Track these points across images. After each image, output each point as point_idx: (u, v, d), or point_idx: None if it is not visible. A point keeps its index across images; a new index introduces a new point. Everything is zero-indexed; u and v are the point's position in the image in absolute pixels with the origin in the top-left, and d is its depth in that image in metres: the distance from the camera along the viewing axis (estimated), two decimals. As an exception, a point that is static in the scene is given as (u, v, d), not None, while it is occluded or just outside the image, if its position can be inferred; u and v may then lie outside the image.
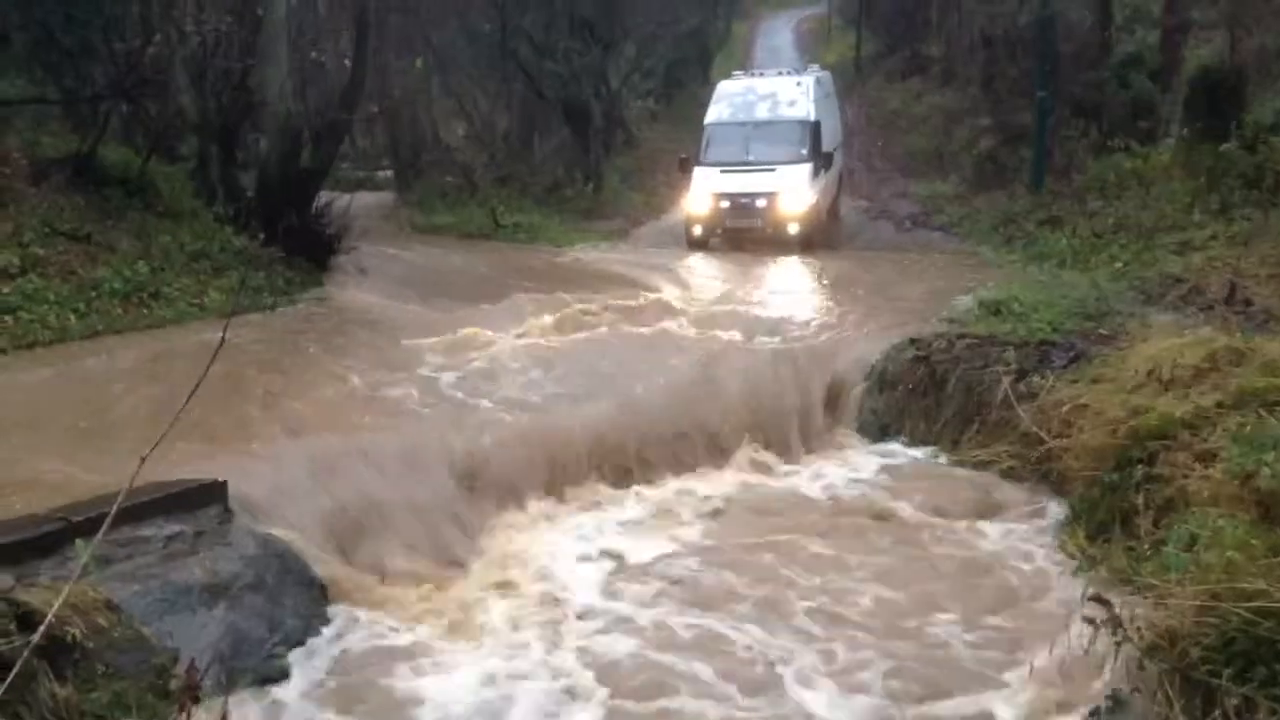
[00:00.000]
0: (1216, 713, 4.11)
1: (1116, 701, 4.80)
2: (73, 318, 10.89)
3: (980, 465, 8.31)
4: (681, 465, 8.56)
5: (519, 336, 11.10)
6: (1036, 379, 8.40)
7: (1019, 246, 16.12)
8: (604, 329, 11.26)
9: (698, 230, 18.67)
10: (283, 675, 5.62)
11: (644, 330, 11.23)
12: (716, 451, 8.79)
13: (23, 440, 7.40)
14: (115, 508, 4.12)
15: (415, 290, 14.39)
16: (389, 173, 27.98)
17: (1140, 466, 6.57)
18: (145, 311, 11.60)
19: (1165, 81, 18.80)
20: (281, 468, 6.96)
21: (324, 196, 15.70)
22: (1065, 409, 7.73)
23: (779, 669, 5.68)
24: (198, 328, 11.29)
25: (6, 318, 10.48)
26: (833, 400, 9.56)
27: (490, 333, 10.99)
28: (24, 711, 4.75)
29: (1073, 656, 5.41)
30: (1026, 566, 6.75)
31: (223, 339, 4.04)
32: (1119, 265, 12.67)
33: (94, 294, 11.45)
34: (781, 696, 5.47)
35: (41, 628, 4.37)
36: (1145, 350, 7.82)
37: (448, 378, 9.57)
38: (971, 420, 8.71)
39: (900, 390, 9.32)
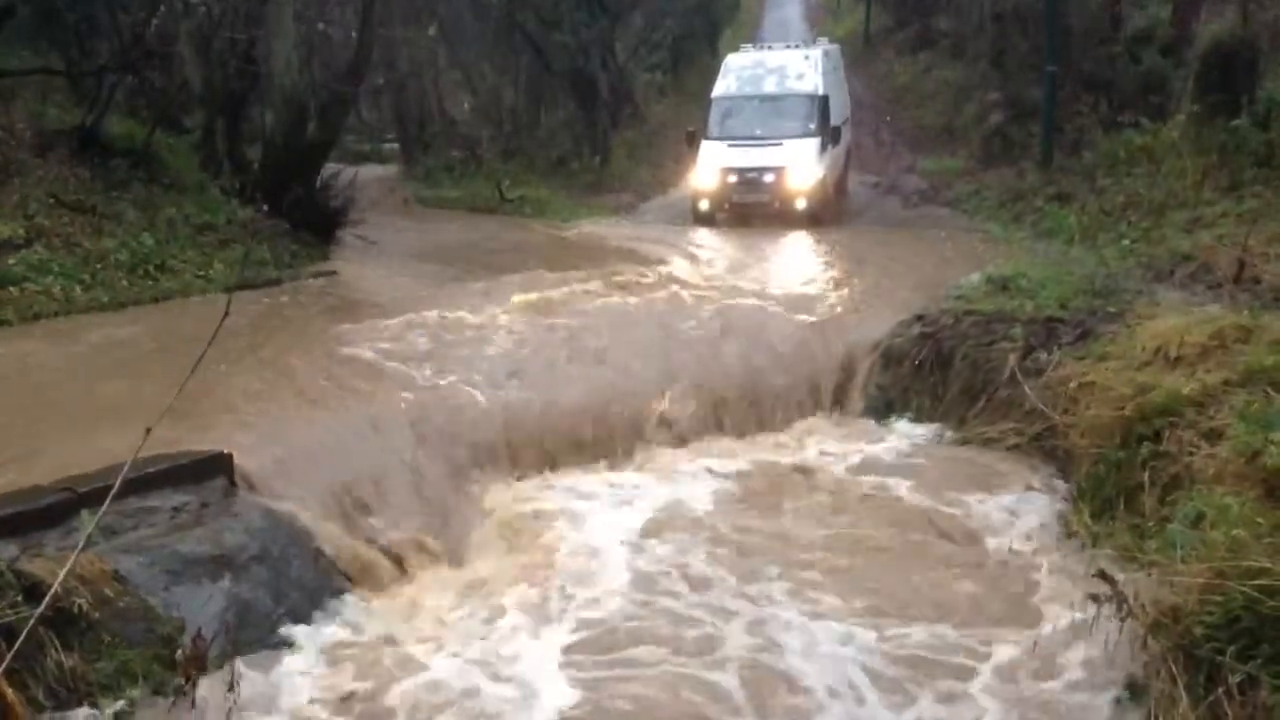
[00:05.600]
0: (1220, 690, 4.11)
1: (1134, 688, 4.80)
2: (78, 289, 10.90)
3: (985, 442, 8.30)
4: (680, 441, 8.57)
5: (522, 311, 11.06)
6: (1043, 356, 8.38)
7: (1027, 223, 16.04)
8: (607, 304, 11.20)
9: (705, 205, 18.60)
10: (288, 646, 5.64)
11: (651, 304, 11.18)
12: (721, 427, 8.78)
13: (29, 412, 7.42)
14: (120, 479, 4.14)
15: (420, 264, 14.38)
16: (395, 146, 27.95)
17: (1146, 444, 6.55)
18: (151, 283, 11.61)
19: (1177, 56, 18.63)
20: (286, 441, 6.97)
21: (329, 169, 15.67)
22: (1072, 386, 7.71)
23: (779, 637, 5.71)
24: (203, 300, 11.29)
25: (12, 289, 10.48)
26: (839, 377, 9.55)
27: (495, 308, 10.96)
28: (31, 680, 4.79)
29: (1076, 633, 5.45)
30: (1030, 543, 6.74)
31: (227, 312, 4.02)
32: (1127, 242, 12.59)
33: (99, 266, 11.45)
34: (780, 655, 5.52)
35: (47, 598, 4.39)
36: (1153, 327, 7.79)
37: (451, 351, 9.55)
38: (977, 397, 8.69)
39: (906, 367, 9.30)
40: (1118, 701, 4.88)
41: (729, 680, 5.38)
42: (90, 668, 4.97)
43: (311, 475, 6.70)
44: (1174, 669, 4.30)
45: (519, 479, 7.83)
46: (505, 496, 7.53)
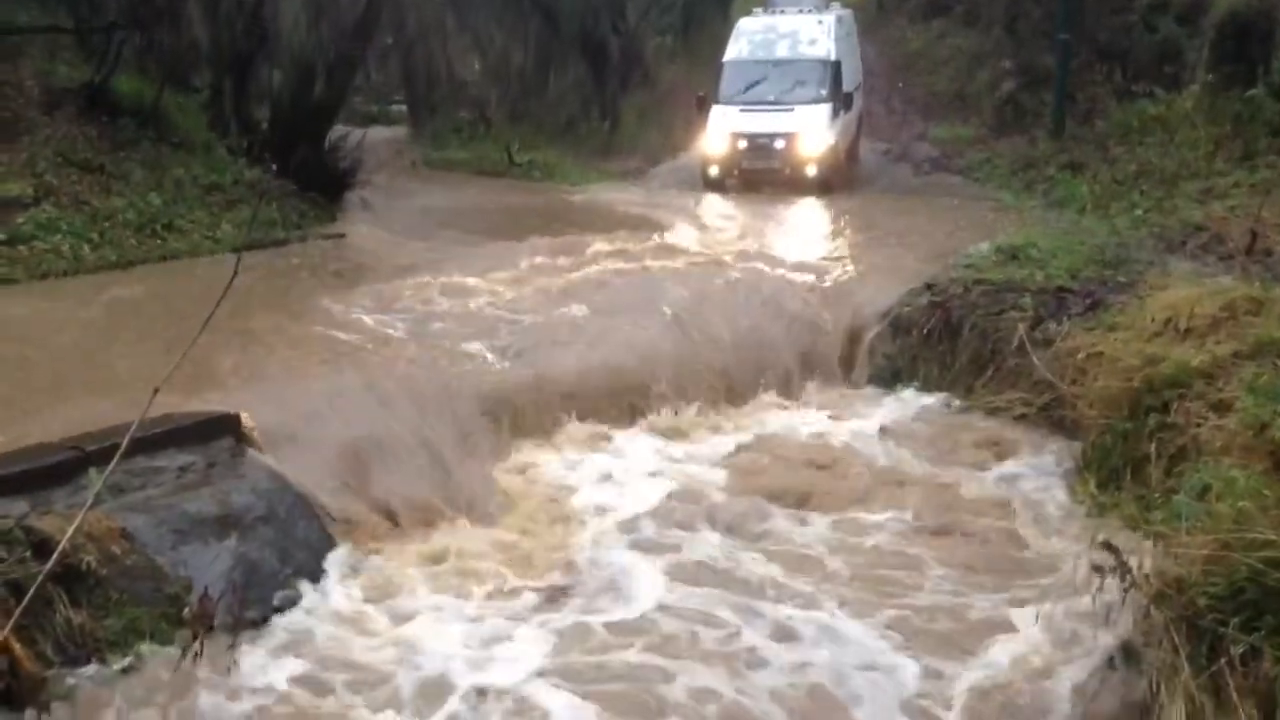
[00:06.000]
0: (1222, 661, 4.11)
1: (1128, 652, 4.81)
2: (86, 248, 10.91)
3: (993, 412, 8.30)
4: (685, 405, 8.58)
5: (530, 276, 11.05)
6: (1052, 326, 8.35)
7: (1038, 191, 15.96)
8: (614, 269, 11.19)
9: (714, 171, 18.50)
10: (295, 605, 5.66)
11: (658, 271, 11.16)
12: (728, 392, 8.80)
13: (36, 371, 7.44)
14: (128, 438, 4.15)
15: (429, 228, 14.35)
16: (402, 108, 27.78)
17: (1154, 415, 6.53)
18: (159, 243, 11.61)
19: (1192, 25, 18.43)
20: (292, 402, 6.98)
21: (338, 130, 15.61)
22: (1081, 356, 7.69)
23: (784, 608, 5.74)
24: (211, 260, 11.29)
25: (21, 247, 10.50)
26: (847, 345, 9.54)
27: (503, 272, 10.95)
28: (40, 636, 4.82)
29: (1079, 604, 5.46)
30: (1035, 513, 6.75)
31: (235, 272, 4.02)
32: (1139, 212, 12.53)
33: (107, 224, 11.45)
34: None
35: (55, 554, 4.41)
36: (1163, 298, 7.76)
37: (458, 315, 9.56)
38: (985, 367, 8.68)
39: (914, 336, 9.27)
40: (1111, 667, 4.89)
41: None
42: (98, 624, 5.00)
43: (317, 436, 6.71)
44: (1176, 639, 4.29)
45: (525, 442, 7.82)
46: (512, 459, 7.54)
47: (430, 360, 8.24)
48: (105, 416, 5.96)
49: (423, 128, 25.39)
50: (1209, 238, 10.56)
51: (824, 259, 11.79)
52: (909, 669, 5.21)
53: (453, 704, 4.94)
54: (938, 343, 9.11)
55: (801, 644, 5.40)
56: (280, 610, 5.59)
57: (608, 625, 5.57)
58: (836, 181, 18.09)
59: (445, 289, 10.31)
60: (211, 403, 6.56)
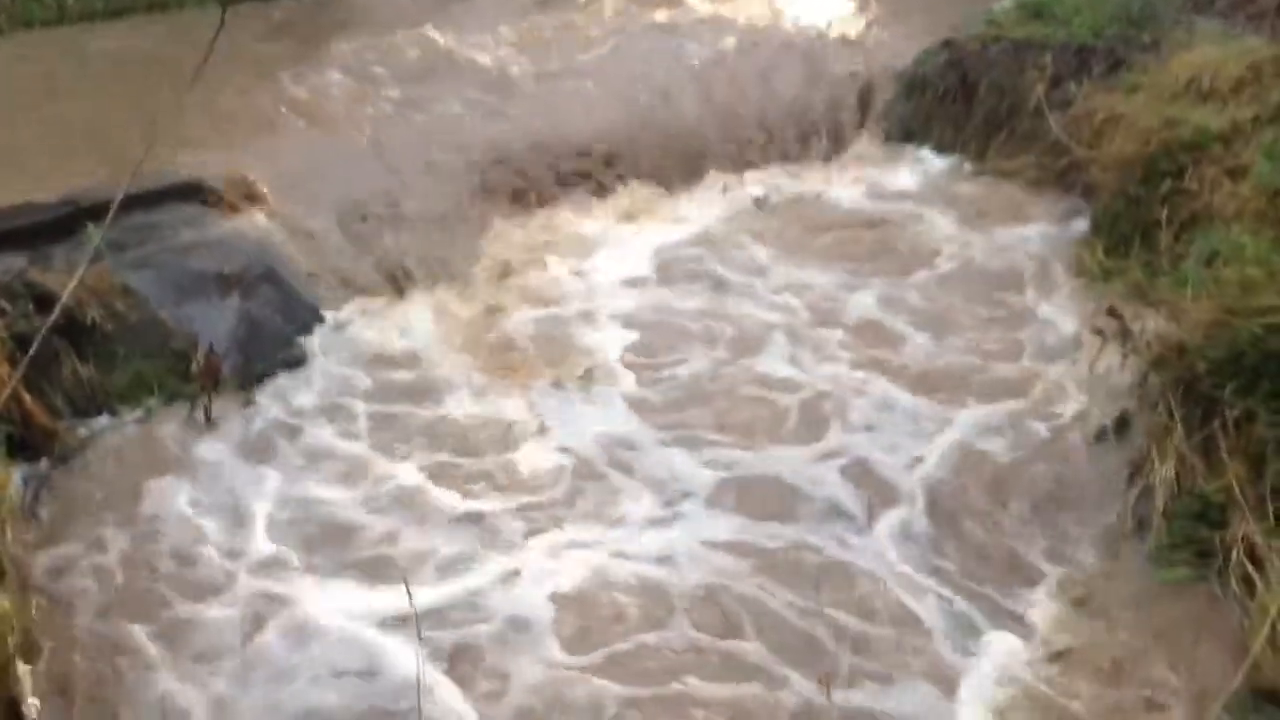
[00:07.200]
0: (1215, 424, 4.16)
1: (1123, 419, 4.88)
2: (71, -4, 10.44)
3: (1005, 175, 8.14)
4: (702, 167, 8.44)
5: (534, 33, 10.62)
6: (1071, 86, 8.07)
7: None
8: (617, 25, 10.72)
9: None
10: (301, 362, 5.72)
11: (662, 27, 10.71)
12: (735, 151, 8.64)
13: (23, 126, 7.26)
14: (122, 193, 4.09)
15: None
16: None
17: (1168, 180, 6.40)
18: (146, -9, 11.11)
19: None
20: (288, 162, 6.86)
21: None
22: (1098, 119, 7.46)
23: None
24: (200, 11, 10.83)
25: (3, -6, 10.06)
26: (859, 105, 9.29)
27: (504, 27, 10.52)
28: (49, 389, 4.91)
29: (1076, 366, 5.52)
30: (1043, 278, 6.73)
31: (221, 24, 3.84)
32: (1170, -35, 11.93)
33: (94, -30, 10.93)
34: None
35: (58, 306, 4.43)
36: (1187, 59, 7.46)
37: (457, 74, 9.25)
38: (1000, 128, 8.44)
39: (929, 95, 8.99)
40: (1103, 431, 4.98)
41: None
42: (106, 378, 5.09)
43: (314, 196, 6.62)
44: (1172, 403, 4.34)
45: (527, 207, 7.72)
46: (511, 222, 7.46)
47: (426, 122, 8.02)
48: (94, 173, 5.86)
49: None
50: (1240, -6, 10.10)
51: (836, 14, 11.29)
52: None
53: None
54: (952, 103, 8.85)
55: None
56: (287, 366, 5.65)
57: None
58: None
59: (445, 47, 9.93)
60: (209, 163, 6.43)
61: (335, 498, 4.82)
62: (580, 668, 3.90)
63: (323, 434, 5.21)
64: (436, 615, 4.07)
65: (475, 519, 4.68)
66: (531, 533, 4.60)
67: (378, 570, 4.39)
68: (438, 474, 4.97)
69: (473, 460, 5.06)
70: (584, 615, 4.14)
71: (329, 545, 4.55)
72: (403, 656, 3.86)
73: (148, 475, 4.80)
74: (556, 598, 4.22)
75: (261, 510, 4.71)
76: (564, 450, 5.12)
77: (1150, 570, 4.15)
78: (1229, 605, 3.71)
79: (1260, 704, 3.40)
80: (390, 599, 4.09)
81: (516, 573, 4.36)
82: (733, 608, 4.15)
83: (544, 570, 4.37)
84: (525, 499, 4.81)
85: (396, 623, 4.01)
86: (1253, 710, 3.39)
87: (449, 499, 4.81)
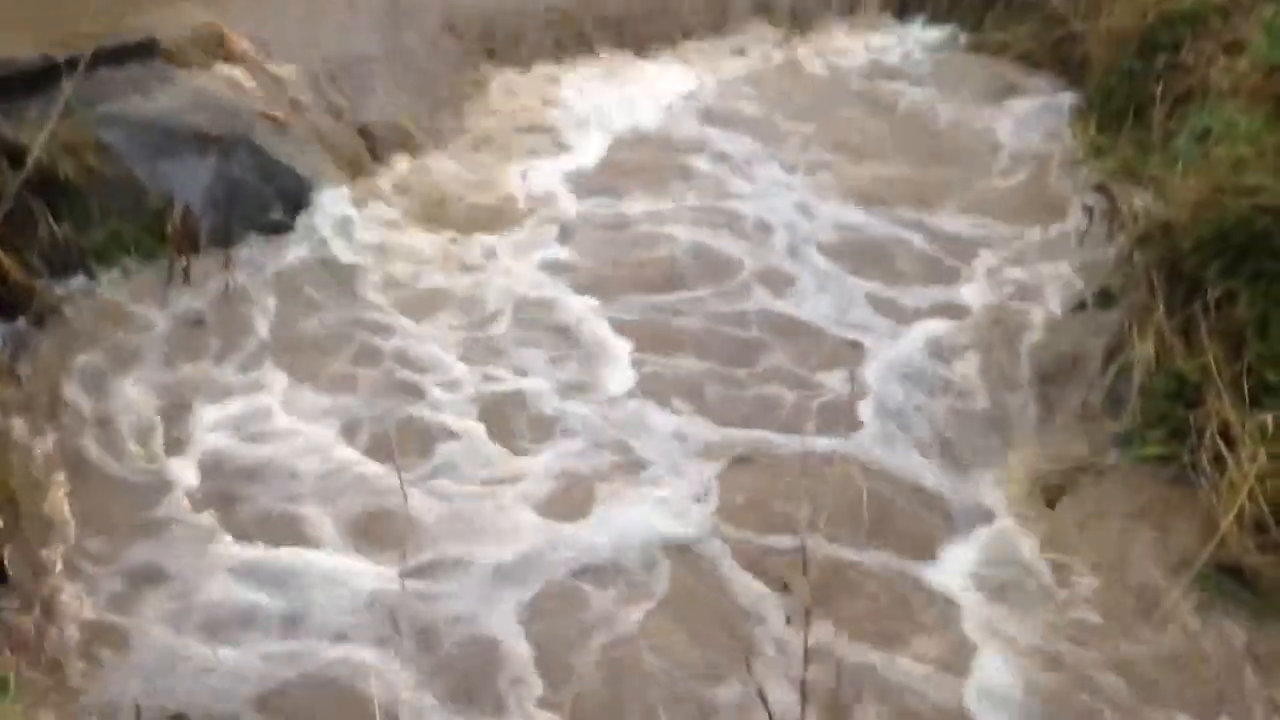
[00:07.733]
0: (1197, 304, 4.15)
1: (1105, 295, 4.86)
2: None
3: (999, 49, 8.06)
4: (692, 33, 8.29)
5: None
6: (1070, -45, 7.90)
7: None
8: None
9: None
10: (282, 229, 5.61)
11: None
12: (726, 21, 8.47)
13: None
14: (95, 45, 3.97)
15: None
16: None
17: (1163, 54, 6.29)
18: None
19: None
20: (265, 19, 6.63)
21: None
22: (1097, -11, 7.33)
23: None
24: None
25: None
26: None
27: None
28: (25, 247, 4.83)
29: (1062, 244, 5.52)
30: (1032, 153, 6.67)
31: None
32: None
33: None
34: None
35: (30, 160, 4.34)
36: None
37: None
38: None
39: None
40: (1082, 306, 4.98)
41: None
42: (82, 236, 5.00)
43: (294, 55, 6.44)
44: (1155, 281, 4.32)
45: (520, 68, 7.55)
46: (504, 83, 7.32)
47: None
48: (70, 26, 5.66)
49: None
50: None
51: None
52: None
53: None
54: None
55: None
56: (264, 230, 5.56)
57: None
58: None
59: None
60: (187, 16, 6.22)
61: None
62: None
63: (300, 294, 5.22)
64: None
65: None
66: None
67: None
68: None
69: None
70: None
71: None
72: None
73: (126, 332, 4.78)
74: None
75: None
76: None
77: (1123, 447, 4.18)
78: (1200, 483, 3.74)
79: (1225, 580, 3.48)
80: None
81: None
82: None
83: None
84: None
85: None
86: (1217, 586, 3.47)
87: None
